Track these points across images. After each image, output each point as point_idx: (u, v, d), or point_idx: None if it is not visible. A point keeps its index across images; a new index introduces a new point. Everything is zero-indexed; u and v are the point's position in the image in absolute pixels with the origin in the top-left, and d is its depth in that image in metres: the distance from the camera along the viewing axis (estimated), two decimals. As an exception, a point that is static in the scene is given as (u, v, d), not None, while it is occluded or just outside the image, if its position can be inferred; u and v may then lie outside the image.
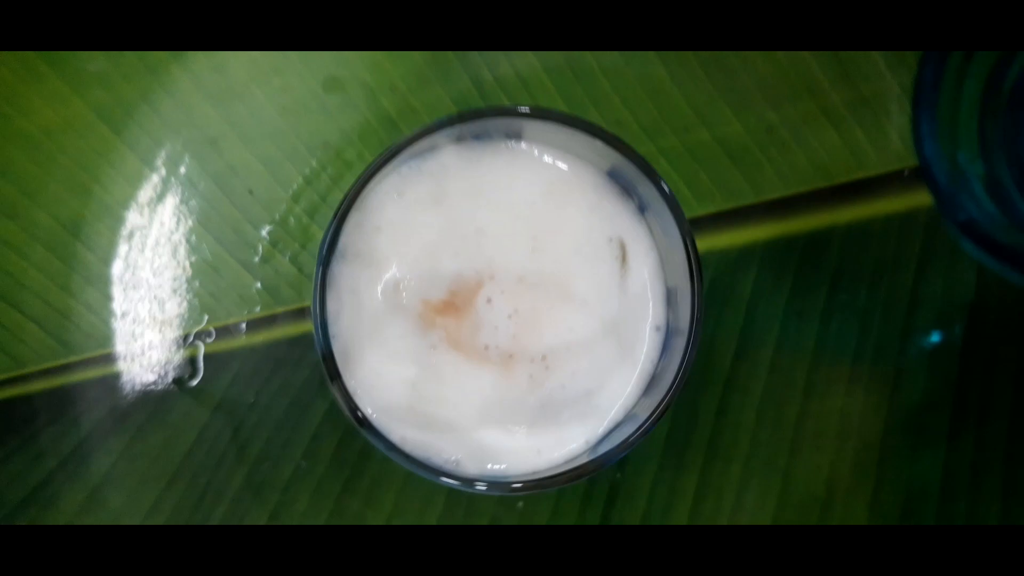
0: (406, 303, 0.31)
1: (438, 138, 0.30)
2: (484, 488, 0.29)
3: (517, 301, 0.31)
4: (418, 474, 0.29)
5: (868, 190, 0.38)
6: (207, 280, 0.37)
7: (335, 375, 0.28)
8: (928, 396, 0.38)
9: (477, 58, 0.37)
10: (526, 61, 0.37)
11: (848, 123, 0.38)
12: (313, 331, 0.29)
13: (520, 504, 0.38)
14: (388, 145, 0.30)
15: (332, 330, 0.30)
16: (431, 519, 0.37)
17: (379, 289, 0.31)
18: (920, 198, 0.38)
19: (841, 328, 0.38)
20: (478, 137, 0.31)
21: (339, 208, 0.28)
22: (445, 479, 0.28)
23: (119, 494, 0.37)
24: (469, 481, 0.28)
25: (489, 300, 0.31)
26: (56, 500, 0.36)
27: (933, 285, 0.38)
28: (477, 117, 0.29)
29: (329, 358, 0.28)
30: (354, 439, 0.37)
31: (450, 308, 0.31)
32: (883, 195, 0.38)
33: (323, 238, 0.29)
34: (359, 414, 0.28)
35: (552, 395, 0.31)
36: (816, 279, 0.38)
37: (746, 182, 0.38)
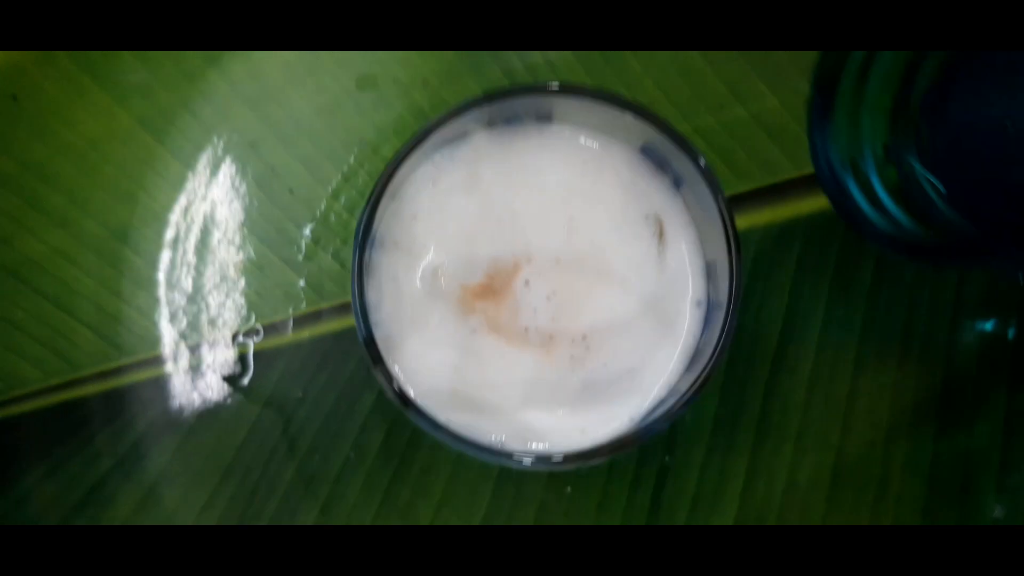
0: (445, 289, 0.31)
1: (469, 124, 0.30)
2: (530, 462, 0.29)
3: (555, 283, 0.31)
4: (465, 451, 0.29)
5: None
6: (253, 279, 0.38)
7: (377, 359, 0.28)
8: (982, 366, 0.37)
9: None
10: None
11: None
12: (355, 320, 0.29)
13: (568, 489, 0.38)
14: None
15: (374, 318, 0.30)
16: (480, 506, 0.37)
17: (418, 276, 0.31)
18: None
19: (890, 302, 0.37)
20: (509, 121, 0.31)
21: (371, 194, 0.28)
22: (492, 455, 0.28)
23: (174, 492, 0.37)
24: (515, 456, 0.28)
25: (527, 283, 0.31)
26: (113, 500, 0.37)
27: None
28: (506, 96, 0.29)
29: (371, 343, 0.28)
30: (402, 430, 0.38)
31: (488, 292, 0.31)
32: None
33: (357, 225, 0.29)
34: (404, 396, 0.29)
35: (594, 374, 0.31)
36: (862, 253, 0.37)
37: (785, 157, 0.38)
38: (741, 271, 0.29)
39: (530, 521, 0.37)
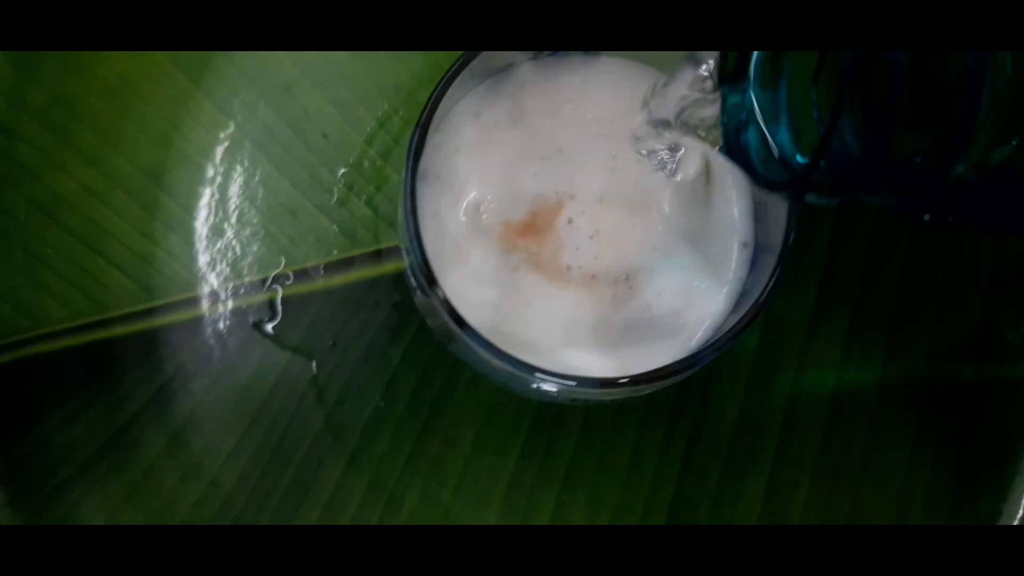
0: (487, 225, 0.31)
1: (514, 55, 0.30)
2: (574, 384, 0.28)
3: (598, 221, 0.31)
4: (513, 370, 0.28)
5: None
6: (284, 224, 0.37)
7: (432, 280, 0.28)
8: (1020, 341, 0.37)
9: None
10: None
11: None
12: (404, 246, 0.28)
13: (600, 445, 0.37)
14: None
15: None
16: (510, 460, 0.37)
17: (460, 211, 0.31)
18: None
19: (927, 265, 0.37)
20: (555, 52, 0.31)
21: (419, 119, 0.28)
22: (540, 375, 0.28)
23: (200, 437, 0.37)
24: (562, 377, 0.28)
25: (570, 221, 0.31)
26: (137, 444, 0.37)
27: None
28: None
29: (426, 265, 0.28)
30: (433, 379, 0.37)
31: (531, 229, 0.31)
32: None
33: (408, 148, 0.28)
34: (458, 316, 0.28)
35: (637, 315, 0.31)
36: (899, 223, 0.37)
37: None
38: (794, 214, 0.29)
39: (561, 474, 0.37)
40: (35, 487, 0.36)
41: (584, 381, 0.28)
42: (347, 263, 0.37)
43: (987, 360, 0.37)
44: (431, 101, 0.28)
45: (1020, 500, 0.36)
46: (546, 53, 0.31)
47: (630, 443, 0.37)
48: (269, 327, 0.37)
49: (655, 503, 0.37)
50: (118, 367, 0.37)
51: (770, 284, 0.29)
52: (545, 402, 0.37)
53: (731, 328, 0.28)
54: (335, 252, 0.37)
